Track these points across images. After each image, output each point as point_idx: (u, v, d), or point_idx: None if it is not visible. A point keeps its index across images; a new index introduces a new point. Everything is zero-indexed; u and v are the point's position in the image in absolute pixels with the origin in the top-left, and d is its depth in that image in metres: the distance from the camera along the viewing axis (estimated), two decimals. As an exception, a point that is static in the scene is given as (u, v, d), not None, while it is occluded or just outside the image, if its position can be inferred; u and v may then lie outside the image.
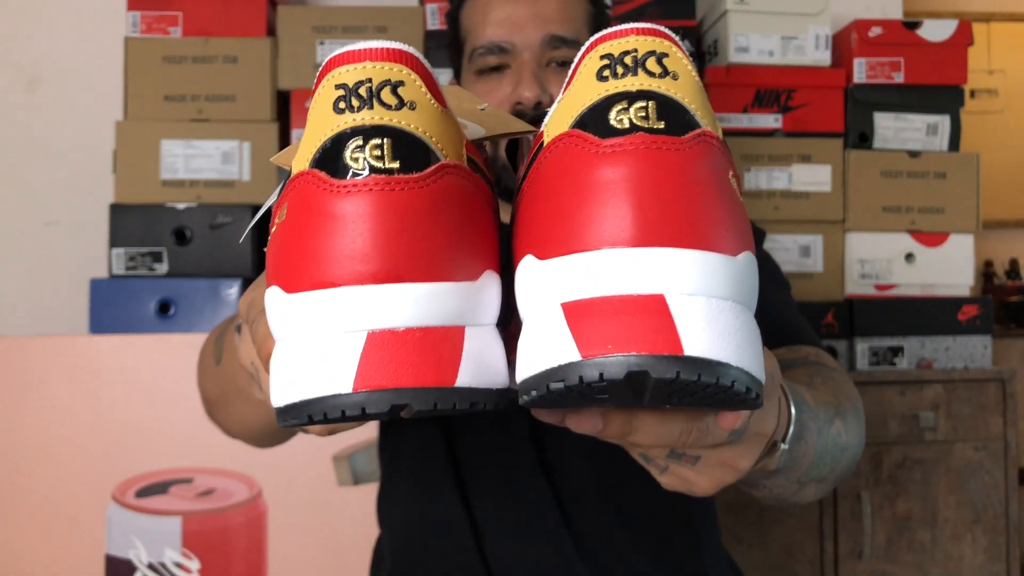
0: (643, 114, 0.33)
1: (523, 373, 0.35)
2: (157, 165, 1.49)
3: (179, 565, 1.29)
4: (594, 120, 0.34)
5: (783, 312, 0.87)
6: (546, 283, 0.34)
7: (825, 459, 0.64)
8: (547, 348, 0.34)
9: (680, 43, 0.36)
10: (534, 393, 0.34)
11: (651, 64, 0.34)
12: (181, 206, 1.48)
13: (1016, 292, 3.05)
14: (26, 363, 1.30)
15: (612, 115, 0.34)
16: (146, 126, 1.50)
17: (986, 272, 3.09)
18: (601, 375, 0.32)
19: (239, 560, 1.30)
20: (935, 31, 1.63)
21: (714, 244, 0.33)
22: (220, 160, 1.49)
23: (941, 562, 1.53)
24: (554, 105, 0.37)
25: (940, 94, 1.64)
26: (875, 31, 1.62)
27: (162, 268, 1.47)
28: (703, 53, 1.71)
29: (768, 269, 0.94)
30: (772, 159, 1.60)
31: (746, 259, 0.35)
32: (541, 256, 0.35)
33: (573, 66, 0.37)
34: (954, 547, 1.54)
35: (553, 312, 0.34)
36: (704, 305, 0.33)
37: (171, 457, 1.30)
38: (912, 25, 1.63)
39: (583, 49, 0.36)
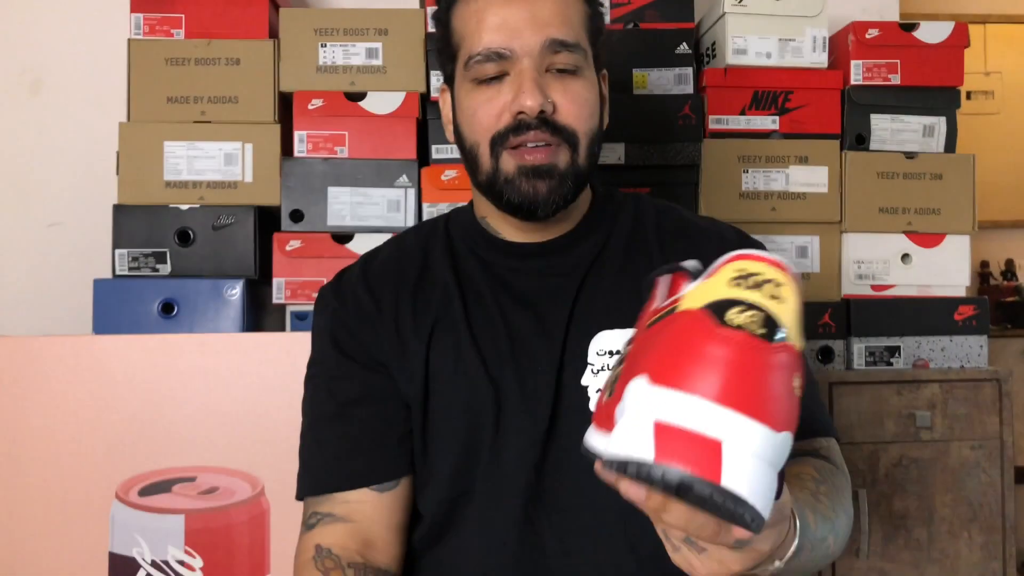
0: (751, 320, 0.49)
1: (612, 449, 0.50)
2: (160, 166, 1.50)
3: (182, 563, 1.29)
4: (718, 310, 0.49)
5: (812, 407, 0.89)
6: (651, 401, 0.50)
7: (809, 565, 0.74)
8: (633, 444, 0.49)
9: (793, 274, 0.51)
10: (613, 467, 0.50)
11: (768, 288, 0.49)
12: (184, 207, 1.49)
13: (1012, 292, 3.06)
14: (30, 363, 1.31)
15: (731, 312, 0.49)
16: (149, 128, 1.51)
17: (982, 273, 3.11)
18: (663, 476, 0.48)
19: (242, 558, 1.30)
20: (931, 33, 1.64)
21: (765, 419, 0.48)
22: (223, 161, 1.50)
23: (938, 560, 1.55)
24: (695, 284, 0.53)
25: (936, 96, 1.65)
26: (872, 33, 1.63)
27: (165, 269, 1.48)
28: (701, 55, 1.72)
29: None
30: (769, 160, 1.61)
31: (785, 436, 0.50)
32: (654, 380, 0.50)
33: (717, 265, 0.52)
34: (950, 545, 1.55)
35: (647, 423, 0.49)
36: (747, 457, 0.48)
37: (174, 456, 1.31)
38: (909, 27, 1.64)
39: (727, 257, 0.52)
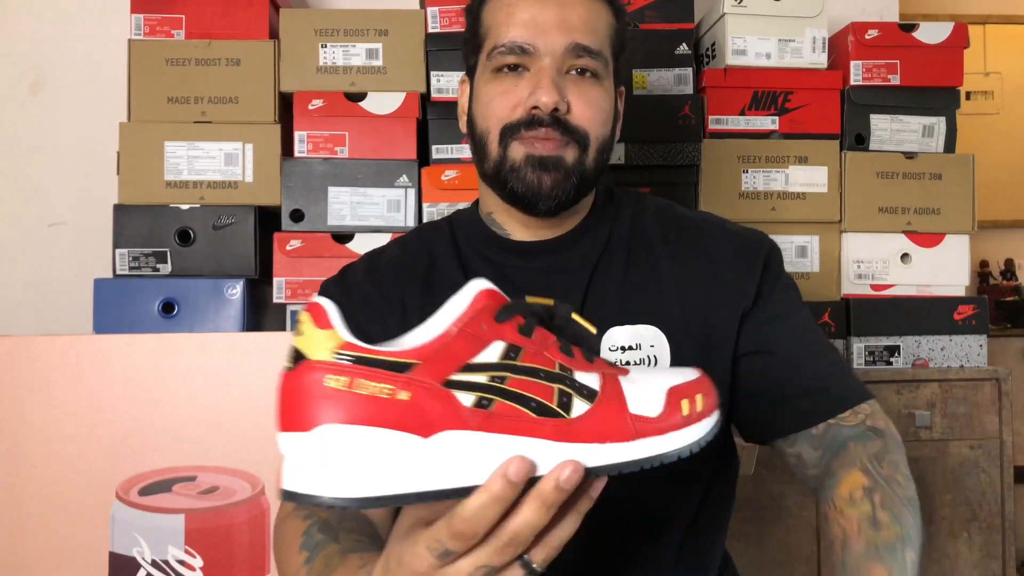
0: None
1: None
2: (161, 166, 1.50)
3: (182, 563, 1.30)
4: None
5: (841, 377, 0.89)
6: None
7: None
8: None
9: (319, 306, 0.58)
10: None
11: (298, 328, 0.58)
12: (184, 207, 1.50)
13: (1011, 292, 3.07)
14: (30, 362, 1.31)
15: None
16: (150, 128, 1.51)
17: (981, 272, 3.11)
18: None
19: (242, 557, 1.31)
20: (931, 33, 1.64)
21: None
22: (223, 161, 1.51)
23: (937, 559, 1.55)
24: None
25: (936, 96, 1.65)
26: (871, 33, 1.63)
27: (166, 268, 1.49)
28: (701, 55, 1.73)
29: (811, 334, 0.93)
30: (769, 160, 1.61)
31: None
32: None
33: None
34: (950, 544, 1.55)
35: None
36: (297, 463, 0.56)
37: (174, 455, 1.31)
38: (908, 27, 1.65)
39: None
